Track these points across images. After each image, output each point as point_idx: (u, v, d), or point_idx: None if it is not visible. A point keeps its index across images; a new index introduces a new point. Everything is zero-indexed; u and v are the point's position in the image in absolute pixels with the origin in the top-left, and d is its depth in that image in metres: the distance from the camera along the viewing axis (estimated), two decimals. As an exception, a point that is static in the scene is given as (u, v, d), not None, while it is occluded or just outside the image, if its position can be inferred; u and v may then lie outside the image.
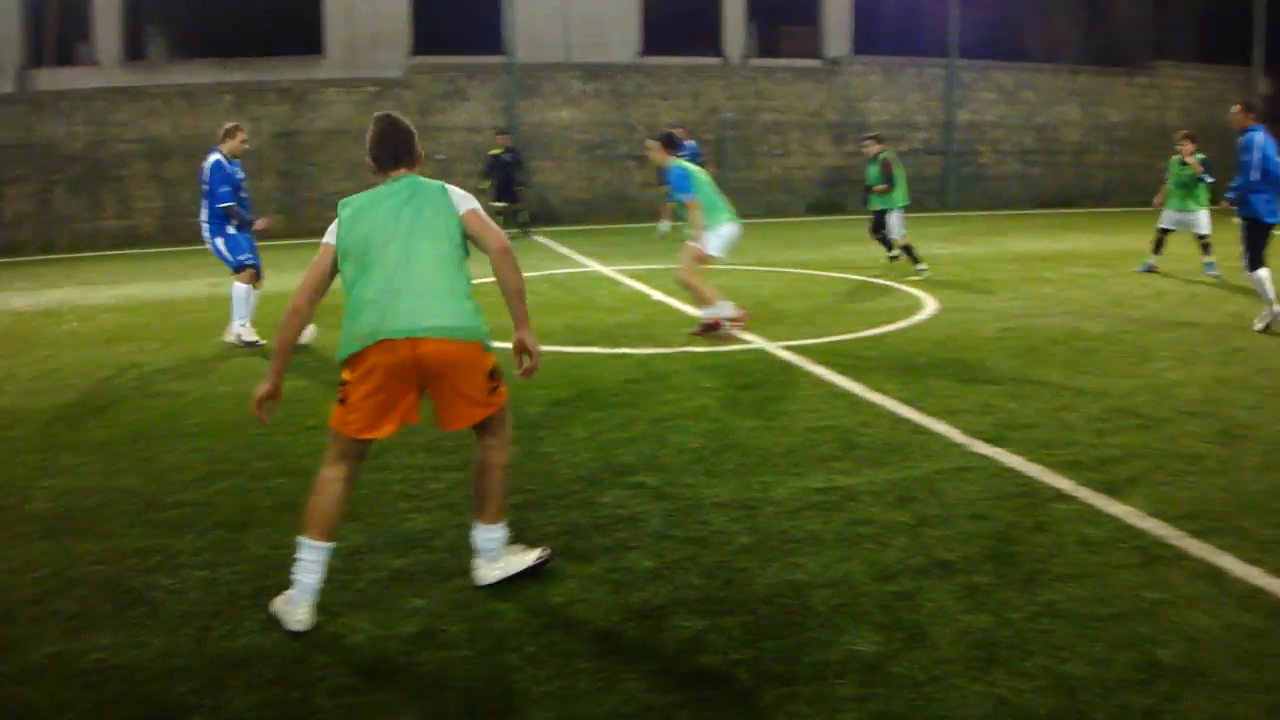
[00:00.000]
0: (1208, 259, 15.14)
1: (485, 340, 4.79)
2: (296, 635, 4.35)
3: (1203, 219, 15.35)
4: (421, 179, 4.82)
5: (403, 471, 6.42)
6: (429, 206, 4.71)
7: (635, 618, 4.50)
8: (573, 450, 6.81)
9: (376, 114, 4.96)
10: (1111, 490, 5.93)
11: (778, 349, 9.88)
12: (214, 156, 10.77)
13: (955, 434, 7.03)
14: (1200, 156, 15.34)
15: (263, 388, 4.68)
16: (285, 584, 4.56)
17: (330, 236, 4.71)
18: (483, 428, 4.84)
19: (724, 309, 10.56)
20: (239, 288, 10.84)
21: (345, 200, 4.78)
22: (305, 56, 24.54)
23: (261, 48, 24.08)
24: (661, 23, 27.00)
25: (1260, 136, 11.03)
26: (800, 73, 27.52)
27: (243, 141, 10.92)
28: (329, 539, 4.57)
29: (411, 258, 4.60)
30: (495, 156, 22.11)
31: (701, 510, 5.65)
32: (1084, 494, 5.88)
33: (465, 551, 5.01)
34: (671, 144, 10.57)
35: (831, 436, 7.00)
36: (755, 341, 10.23)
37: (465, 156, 24.46)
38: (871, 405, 7.82)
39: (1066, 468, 6.32)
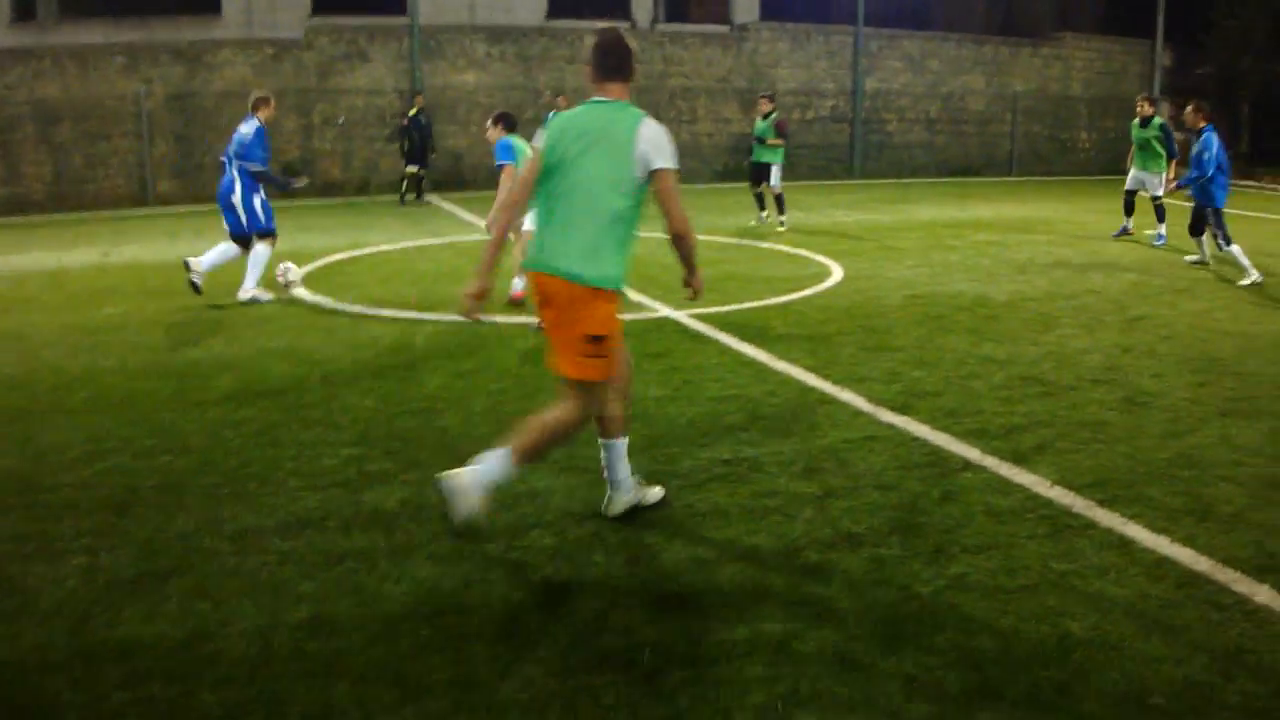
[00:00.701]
0: (1160, 229, 15.59)
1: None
2: (177, 624, 4.11)
3: (1158, 182, 15.80)
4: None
5: (296, 448, 6.16)
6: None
7: (535, 599, 4.34)
8: (473, 423, 6.60)
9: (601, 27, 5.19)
10: (1018, 459, 5.91)
11: (684, 317, 9.75)
12: (254, 123, 10.95)
13: (862, 402, 6.97)
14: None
15: (471, 286, 4.92)
16: (168, 569, 4.33)
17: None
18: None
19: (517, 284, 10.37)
20: (261, 249, 10.98)
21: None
22: (201, 16, 23.69)
23: (156, 6, 23.21)
24: (568, -17, 26.63)
25: (1214, 136, 12.71)
26: (708, 38, 27.31)
27: (274, 109, 11.47)
28: (620, 436, 5.06)
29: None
30: (413, 118, 21.83)
31: (605, 484, 5.50)
32: (991, 463, 5.86)
33: (359, 531, 4.80)
34: (507, 123, 10.11)
35: (737, 406, 6.90)
36: (661, 310, 10.10)
37: (368, 120, 23.91)
38: (778, 374, 7.73)
39: (973, 436, 6.30)
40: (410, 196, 21.86)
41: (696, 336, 9.02)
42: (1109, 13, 36.01)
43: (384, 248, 14.54)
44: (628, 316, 9.57)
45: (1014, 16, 34.22)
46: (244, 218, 10.87)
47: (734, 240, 15.21)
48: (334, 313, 10.16)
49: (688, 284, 5.28)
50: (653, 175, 4.77)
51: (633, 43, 5.10)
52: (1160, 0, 32.29)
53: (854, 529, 4.95)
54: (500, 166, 9.81)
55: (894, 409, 6.82)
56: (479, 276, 4.93)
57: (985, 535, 4.91)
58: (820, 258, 13.36)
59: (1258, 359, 8.55)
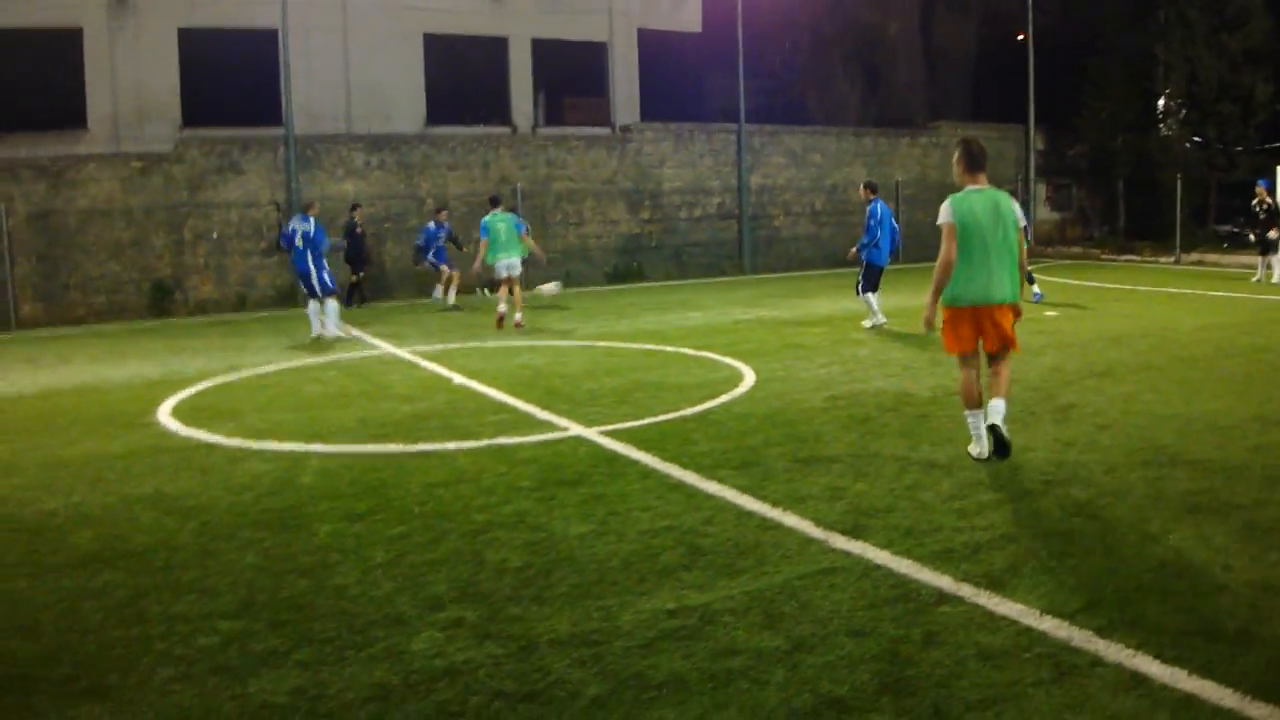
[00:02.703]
0: (1034, 288, 17.86)
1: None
2: None
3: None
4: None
5: (165, 623, 5.20)
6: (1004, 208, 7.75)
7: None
8: (373, 580, 5.71)
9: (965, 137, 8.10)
10: (995, 584, 5.28)
11: (595, 435, 9.01)
12: (311, 221, 16.71)
13: (809, 527, 6.29)
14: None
15: (927, 317, 7.90)
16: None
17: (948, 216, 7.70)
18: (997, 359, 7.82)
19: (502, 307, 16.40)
20: (333, 305, 16.80)
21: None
22: (66, 131, 22.77)
23: (19, 122, 22.16)
24: (446, 92, 26.26)
25: (880, 207, 16.14)
26: (592, 140, 27.14)
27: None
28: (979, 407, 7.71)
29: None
30: (352, 226, 22.21)
31: (537, 652, 4.69)
32: (967, 592, 5.22)
33: None
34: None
35: (673, 540, 6.15)
36: (570, 428, 9.33)
37: (242, 233, 23.00)
38: (710, 498, 7.02)
39: (939, 560, 5.66)
40: (356, 301, 22.09)
41: (614, 458, 8.25)
42: (980, 101, 37.02)
43: (263, 369, 13.57)
44: (533, 438, 8.90)
45: (889, 109, 34.93)
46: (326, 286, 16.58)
47: (636, 345, 14.57)
48: (209, 448, 9.15)
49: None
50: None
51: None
52: (1030, 87, 33.16)
53: (836, 692, 4.23)
54: None
55: (845, 532, 6.16)
56: None
57: (985, 686, 4.24)
58: (729, 360, 12.80)
59: (1202, 444, 8.15)
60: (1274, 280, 22.39)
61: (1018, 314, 7.79)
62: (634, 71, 28.99)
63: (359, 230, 22.69)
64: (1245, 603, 5.04)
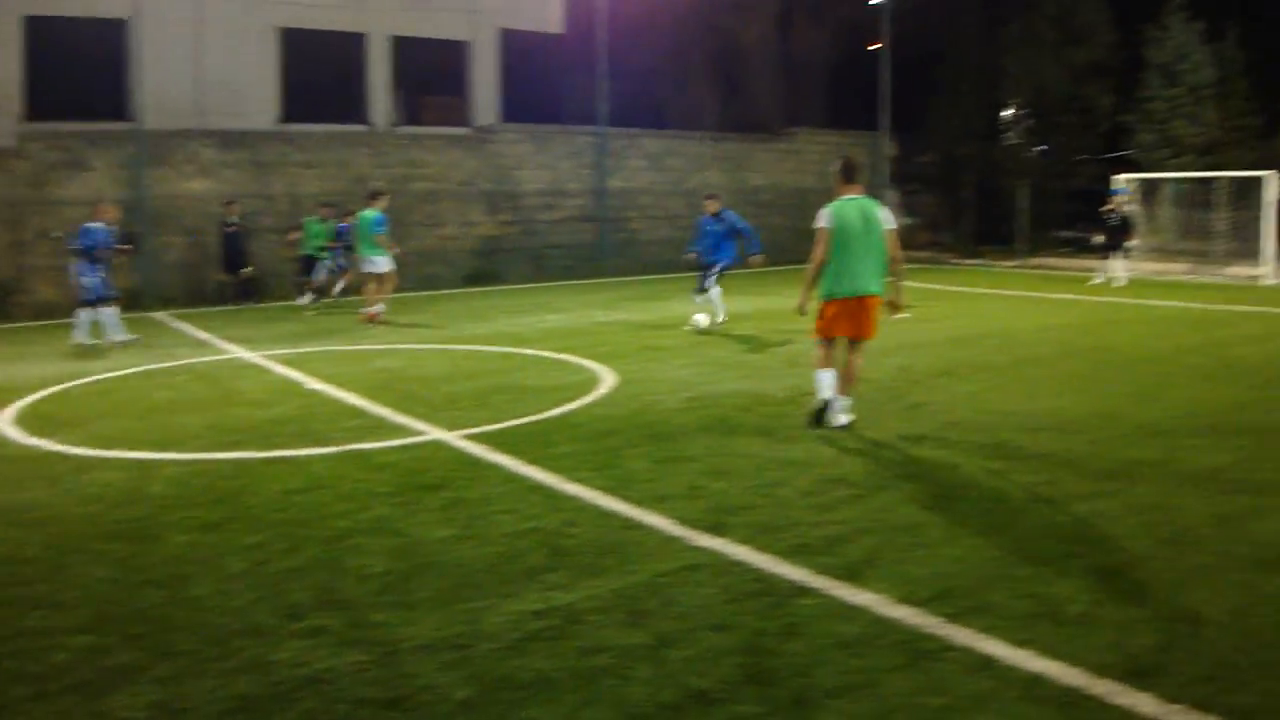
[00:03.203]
0: None
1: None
2: None
3: None
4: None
5: (16, 640, 5.01)
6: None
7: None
8: (231, 591, 5.58)
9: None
10: (851, 576, 5.46)
11: (456, 439, 8.95)
12: (100, 226, 15.41)
13: (671, 525, 6.39)
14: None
15: (800, 303, 9.19)
16: None
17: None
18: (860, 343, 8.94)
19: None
20: (109, 312, 15.48)
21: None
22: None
23: None
24: (303, 89, 25.64)
25: (729, 214, 16.54)
26: (450, 140, 26.85)
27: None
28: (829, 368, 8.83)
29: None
30: (230, 225, 21.63)
31: (402, 658, 4.67)
32: (824, 584, 5.38)
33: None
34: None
35: (537, 541, 6.18)
36: (429, 432, 9.25)
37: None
38: (572, 499, 7.06)
39: (797, 554, 5.81)
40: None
41: (474, 461, 8.22)
42: (836, 108, 37.86)
43: (110, 375, 13.09)
44: (392, 443, 8.81)
45: (746, 115, 35.47)
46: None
47: (495, 348, 14.51)
48: (55, 457, 8.80)
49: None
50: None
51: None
52: (884, 96, 34.05)
53: (701, 684, 4.32)
54: None
55: (706, 530, 6.27)
56: None
57: (844, 674, 4.39)
58: (588, 363, 12.84)
59: (1043, 438, 8.55)
60: (1116, 285, 23.51)
61: (896, 308, 9.21)
62: (495, 72, 28.79)
63: (235, 228, 22.12)
64: (1087, 587, 5.33)
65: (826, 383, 8.88)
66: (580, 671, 4.48)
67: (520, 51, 29.60)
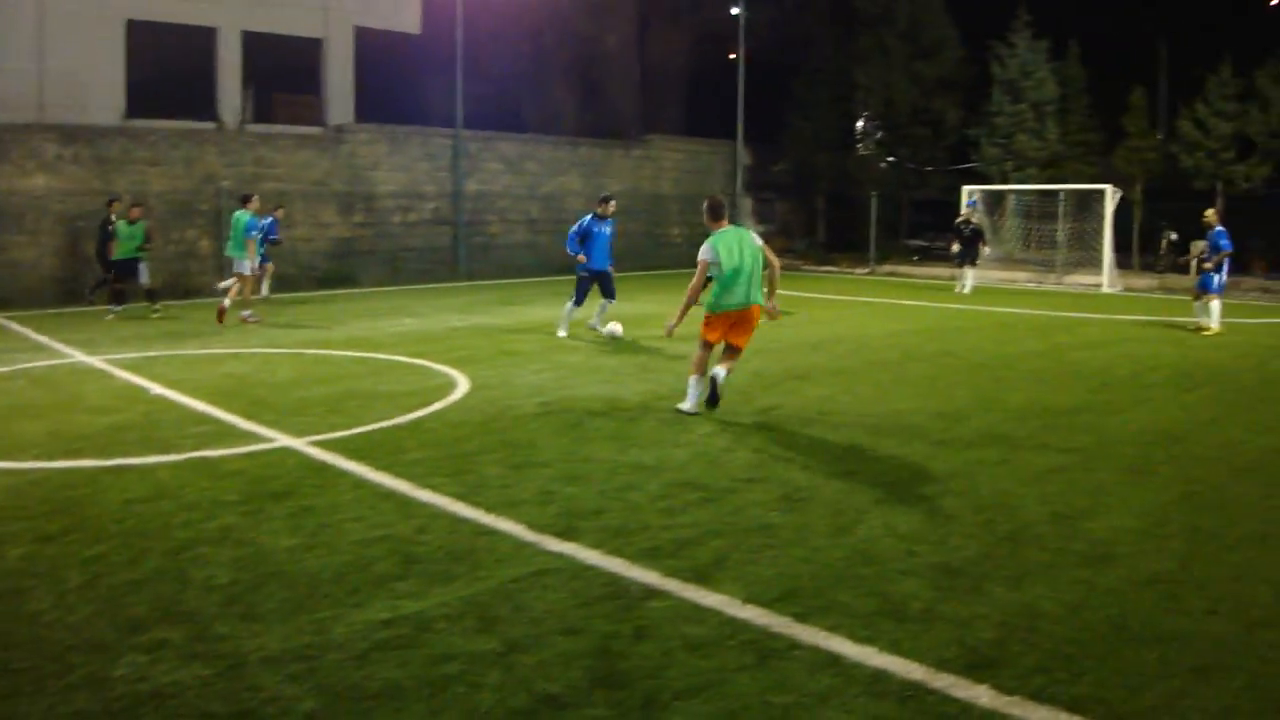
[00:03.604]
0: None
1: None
2: None
3: None
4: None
5: None
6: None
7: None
8: (69, 605, 5.33)
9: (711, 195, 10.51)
10: (701, 578, 5.52)
11: (305, 446, 8.74)
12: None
13: (523, 531, 6.36)
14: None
15: (670, 325, 10.05)
16: None
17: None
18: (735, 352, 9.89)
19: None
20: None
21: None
22: None
23: None
24: (149, 84, 24.82)
25: (597, 224, 15.88)
26: (302, 139, 26.26)
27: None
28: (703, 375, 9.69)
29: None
30: (107, 223, 20.49)
31: (247, 670, 4.54)
32: (674, 586, 5.42)
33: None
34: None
35: (387, 549, 6.07)
36: (278, 439, 9.02)
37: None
38: (424, 506, 6.97)
39: (647, 557, 5.85)
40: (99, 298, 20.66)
41: (324, 468, 8.04)
42: (692, 116, 38.27)
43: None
44: (239, 450, 8.57)
45: (604, 120, 35.58)
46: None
47: (347, 353, 14.24)
48: None
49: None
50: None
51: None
52: (739, 104, 34.53)
53: (551, 689, 4.31)
54: None
55: (558, 535, 6.26)
56: None
57: (693, 674, 4.43)
58: (442, 367, 12.71)
59: (889, 440, 8.78)
60: (966, 291, 24.32)
61: (773, 315, 10.26)
62: (349, 70, 28.32)
63: (113, 226, 20.99)
64: (929, 584, 5.49)
65: (699, 385, 9.81)
66: (429, 680, 4.42)
67: (376, 50, 29.20)
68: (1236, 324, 18.56)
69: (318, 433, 9.14)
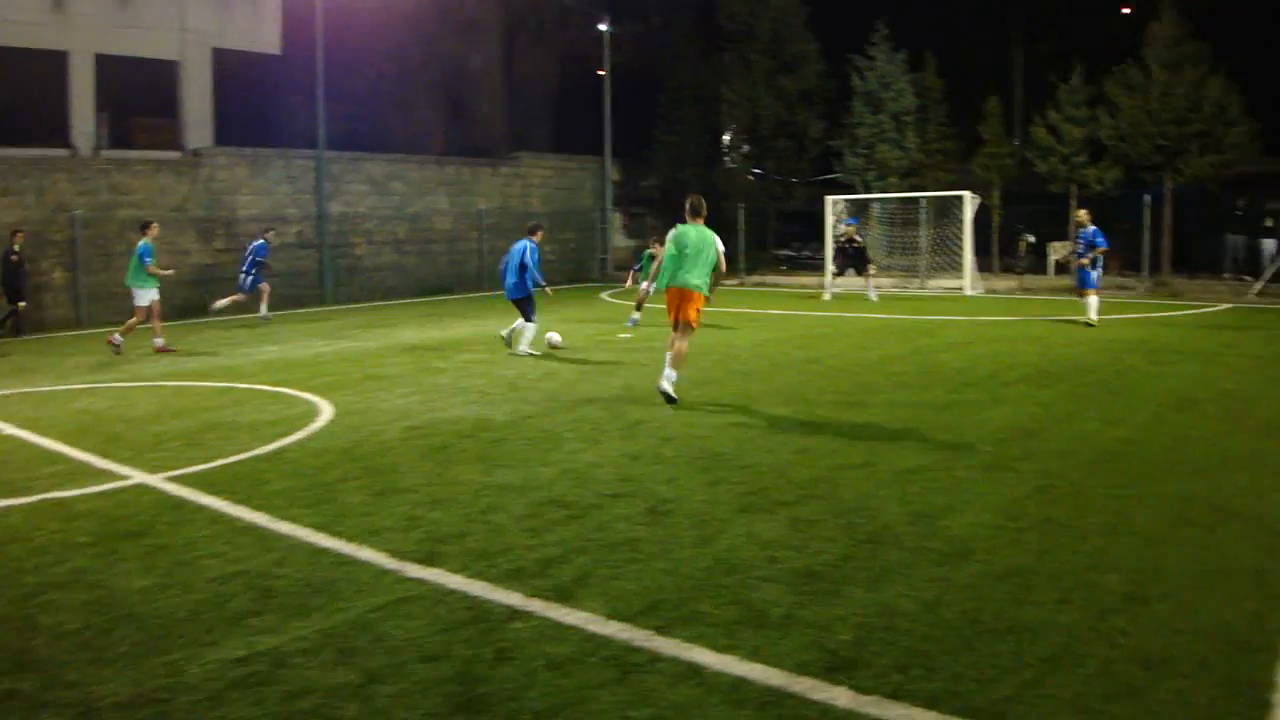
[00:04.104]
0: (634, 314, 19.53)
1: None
2: None
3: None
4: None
5: None
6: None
7: None
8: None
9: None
10: (564, 596, 5.51)
11: (161, 482, 8.47)
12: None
13: (384, 559, 6.27)
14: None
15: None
16: None
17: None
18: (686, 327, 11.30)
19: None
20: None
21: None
22: None
23: None
24: (-2, 109, 23.95)
25: (527, 244, 16.13)
26: (160, 165, 25.51)
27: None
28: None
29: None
30: (10, 253, 21.14)
31: (98, 718, 4.39)
32: (537, 606, 5.40)
33: None
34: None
35: (243, 585, 5.92)
36: (134, 476, 8.73)
37: None
38: (283, 538, 6.82)
39: (511, 579, 5.82)
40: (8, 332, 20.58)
41: (180, 504, 7.80)
42: (560, 133, 38.30)
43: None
44: (92, 489, 8.27)
45: (472, 139, 35.39)
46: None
47: (208, 383, 13.87)
48: None
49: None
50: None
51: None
52: (606, 121, 34.66)
53: (410, 718, 4.25)
54: None
55: (420, 561, 6.18)
56: None
57: (554, 694, 4.41)
58: (306, 395, 12.46)
59: (754, 449, 8.90)
60: (828, 295, 24.90)
61: (702, 303, 11.53)
62: (208, 93, 27.62)
63: (16, 257, 21.34)
64: (790, 590, 5.57)
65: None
66: (284, 716, 4.33)
67: (235, 72, 28.56)
68: (1090, 323, 19.28)
69: (175, 468, 8.88)
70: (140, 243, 17.32)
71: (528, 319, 15.94)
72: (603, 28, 34.83)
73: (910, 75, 33.61)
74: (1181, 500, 7.24)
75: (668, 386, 11.06)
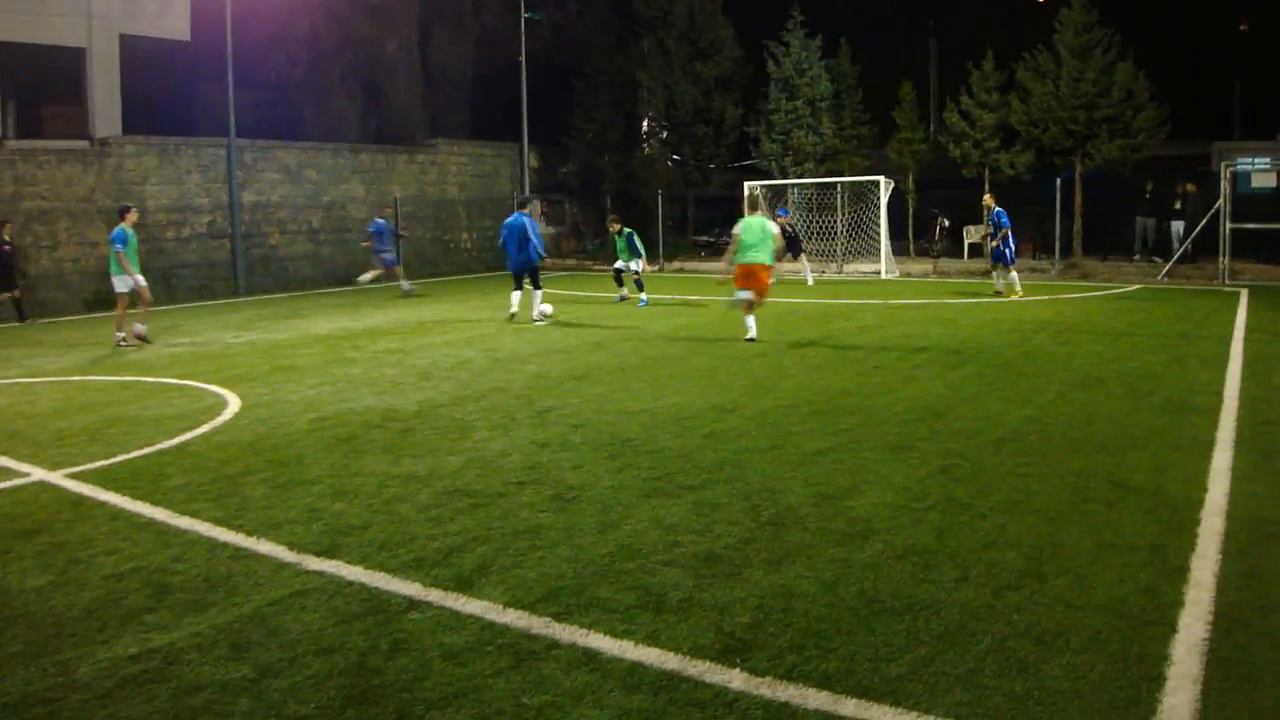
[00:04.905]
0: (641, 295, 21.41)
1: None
2: None
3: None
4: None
5: None
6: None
7: None
8: None
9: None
10: (464, 585, 5.50)
11: (60, 479, 8.30)
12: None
13: (283, 552, 6.21)
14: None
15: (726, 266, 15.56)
16: None
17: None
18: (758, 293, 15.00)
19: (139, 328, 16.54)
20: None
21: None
22: None
23: None
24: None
25: (525, 220, 18.07)
26: (66, 155, 24.84)
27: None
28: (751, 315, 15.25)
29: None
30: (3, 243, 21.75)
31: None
32: (436, 596, 5.39)
33: None
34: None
35: (140, 582, 5.84)
36: (33, 473, 8.54)
37: None
38: (182, 533, 6.72)
39: (411, 569, 5.80)
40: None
41: (79, 501, 7.65)
42: (477, 120, 38.01)
43: None
44: (-13, 490, 8.06)
45: (388, 126, 34.98)
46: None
47: (114, 378, 13.60)
48: None
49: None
50: None
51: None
52: (524, 107, 34.47)
53: (302, 712, 4.23)
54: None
55: (320, 553, 6.14)
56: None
57: (449, 683, 4.41)
58: (213, 388, 12.27)
59: (663, 434, 8.93)
60: (809, 284, 25.30)
61: (769, 273, 14.97)
62: (116, 80, 26.94)
63: (8, 247, 21.94)
64: (690, 574, 5.61)
65: (752, 323, 15.09)
66: (176, 713, 4.28)
67: (144, 59, 27.92)
68: (1004, 301, 19.63)
69: (76, 464, 8.71)
70: (116, 228, 16.76)
71: (536, 286, 18.13)
72: (526, 15, 34.63)
73: (825, 61, 33.84)
74: (1082, 477, 7.40)
75: (753, 334, 14.94)
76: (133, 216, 17.08)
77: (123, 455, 8.98)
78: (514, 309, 18.36)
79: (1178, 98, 29.69)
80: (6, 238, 22.05)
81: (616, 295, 22.38)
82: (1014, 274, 21.07)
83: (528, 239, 17.86)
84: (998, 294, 21.13)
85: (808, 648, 4.70)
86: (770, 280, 14.97)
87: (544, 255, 18.27)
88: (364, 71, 36.25)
